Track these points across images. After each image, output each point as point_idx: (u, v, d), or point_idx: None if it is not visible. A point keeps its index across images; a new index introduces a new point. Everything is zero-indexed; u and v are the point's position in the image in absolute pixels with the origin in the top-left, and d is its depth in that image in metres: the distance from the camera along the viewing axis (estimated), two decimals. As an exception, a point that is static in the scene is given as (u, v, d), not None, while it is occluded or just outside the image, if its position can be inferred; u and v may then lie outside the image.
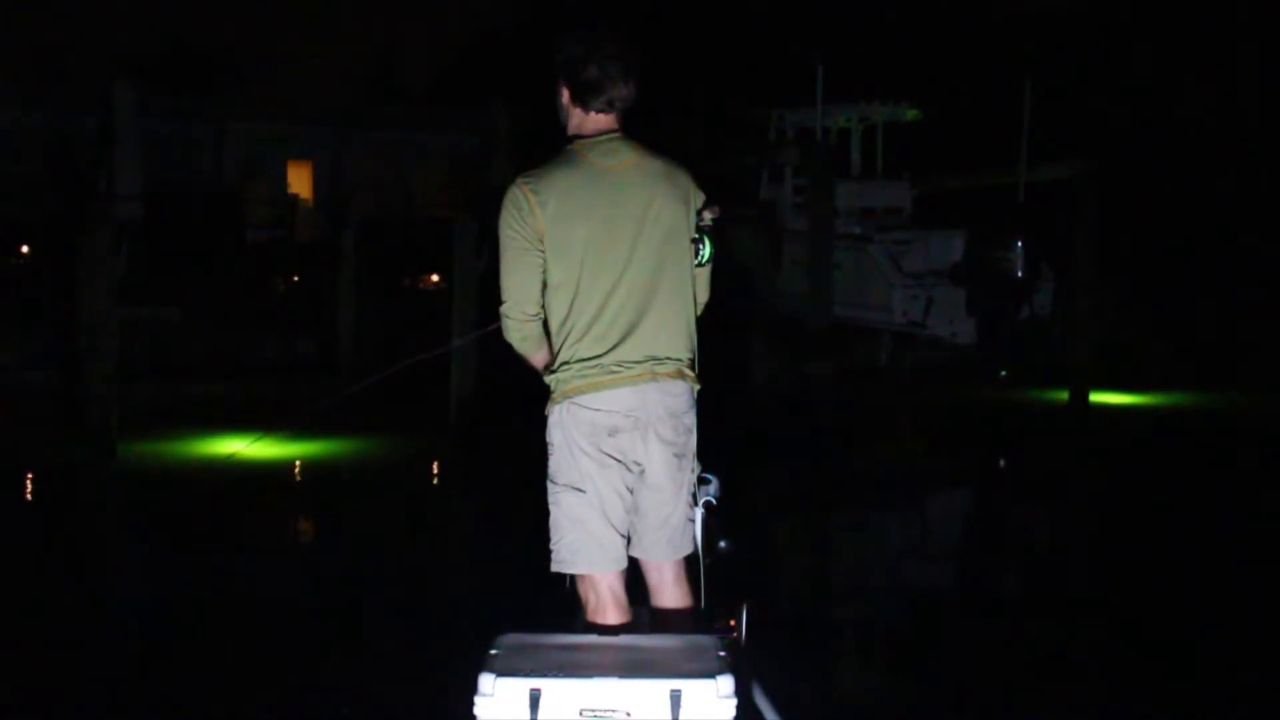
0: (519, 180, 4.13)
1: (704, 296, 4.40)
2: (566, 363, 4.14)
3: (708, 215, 4.29)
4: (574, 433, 4.13)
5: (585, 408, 4.11)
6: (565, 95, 4.24)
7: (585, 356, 4.12)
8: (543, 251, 4.10)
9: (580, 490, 4.13)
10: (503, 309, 4.18)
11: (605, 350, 4.12)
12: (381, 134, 29.42)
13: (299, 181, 29.70)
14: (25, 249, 20.98)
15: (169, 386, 13.46)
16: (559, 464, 4.16)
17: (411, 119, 29.98)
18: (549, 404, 4.20)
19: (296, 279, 20.71)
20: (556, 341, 4.18)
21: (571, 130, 4.26)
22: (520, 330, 4.20)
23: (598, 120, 4.22)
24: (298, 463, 11.44)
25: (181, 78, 29.15)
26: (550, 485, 4.20)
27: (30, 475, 10.63)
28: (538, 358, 4.29)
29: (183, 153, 26.79)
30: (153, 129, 20.88)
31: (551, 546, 4.20)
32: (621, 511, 4.16)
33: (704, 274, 4.36)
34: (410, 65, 35.17)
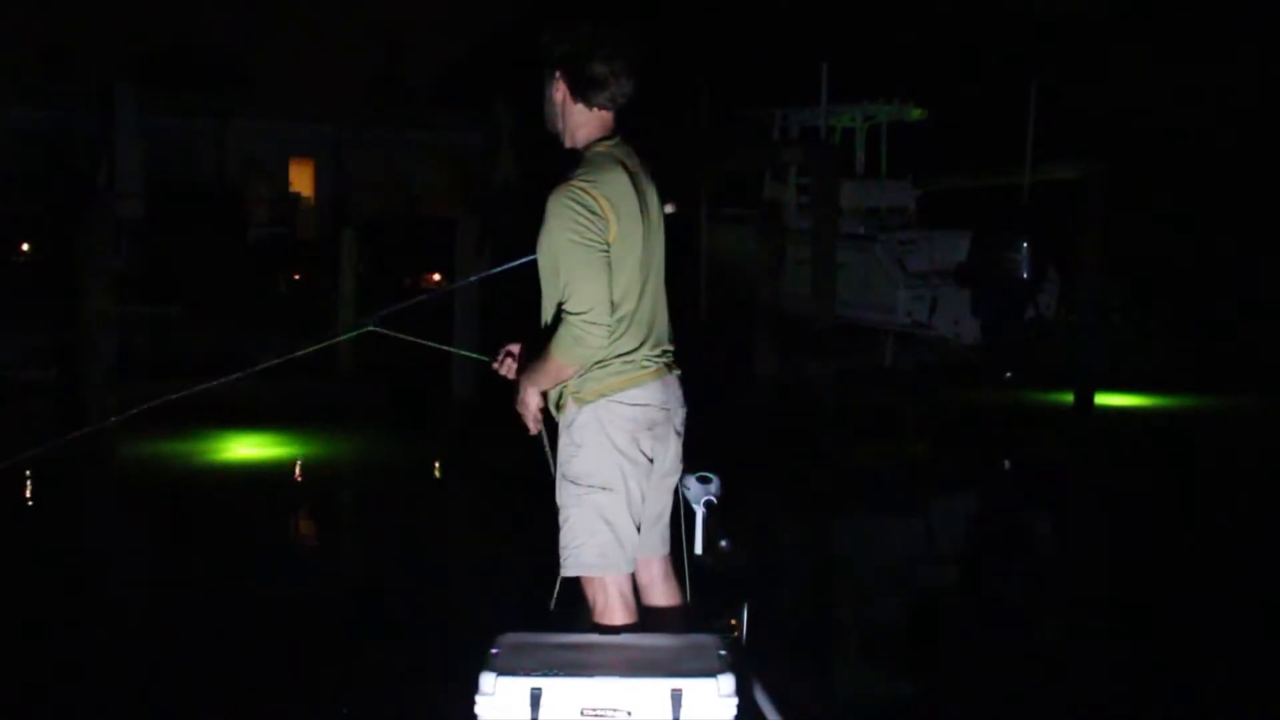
0: (583, 185, 3.99)
1: None
2: (602, 361, 4.08)
3: (668, 209, 4.33)
4: (612, 431, 4.08)
5: (626, 404, 4.09)
6: (561, 91, 4.17)
7: (622, 352, 4.10)
8: (608, 253, 4.03)
9: (611, 490, 4.09)
10: (586, 318, 3.94)
11: (637, 345, 4.12)
12: (384, 133, 29.32)
13: (301, 180, 29.63)
14: (25, 246, 20.93)
15: (169, 385, 13.40)
16: (589, 464, 4.09)
17: (414, 118, 29.91)
18: (572, 405, 4.12)
19: (298, 277, 20.68)
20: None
21: (574, 127, 4.19)
22: (606, 337, 4.01)
23: (603, 117, 4.18)
24: (298, 462, 11.41)
25: (184, 76, 29.09)
26: (572, 487, 4.12)
27: (28, 473, 10.57)
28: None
29: (185, 150, 26.70)
30: (154, 126, 20.84)
31: (572, 549, 4.11)
32: (641, 510, 4.16)
33: None
34: (413, 64, 35.11)
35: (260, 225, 24.43)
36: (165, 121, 23.73)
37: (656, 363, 4.15)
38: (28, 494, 10.16)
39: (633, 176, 4.12)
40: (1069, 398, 14.54)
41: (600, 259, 3.97)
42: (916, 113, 18.79)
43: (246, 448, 11.65)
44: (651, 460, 4.16)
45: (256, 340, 15.67)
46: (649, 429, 4.13)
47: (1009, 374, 15.96)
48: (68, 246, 13.18)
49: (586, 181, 4.01)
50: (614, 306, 4.03)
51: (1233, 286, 20.37)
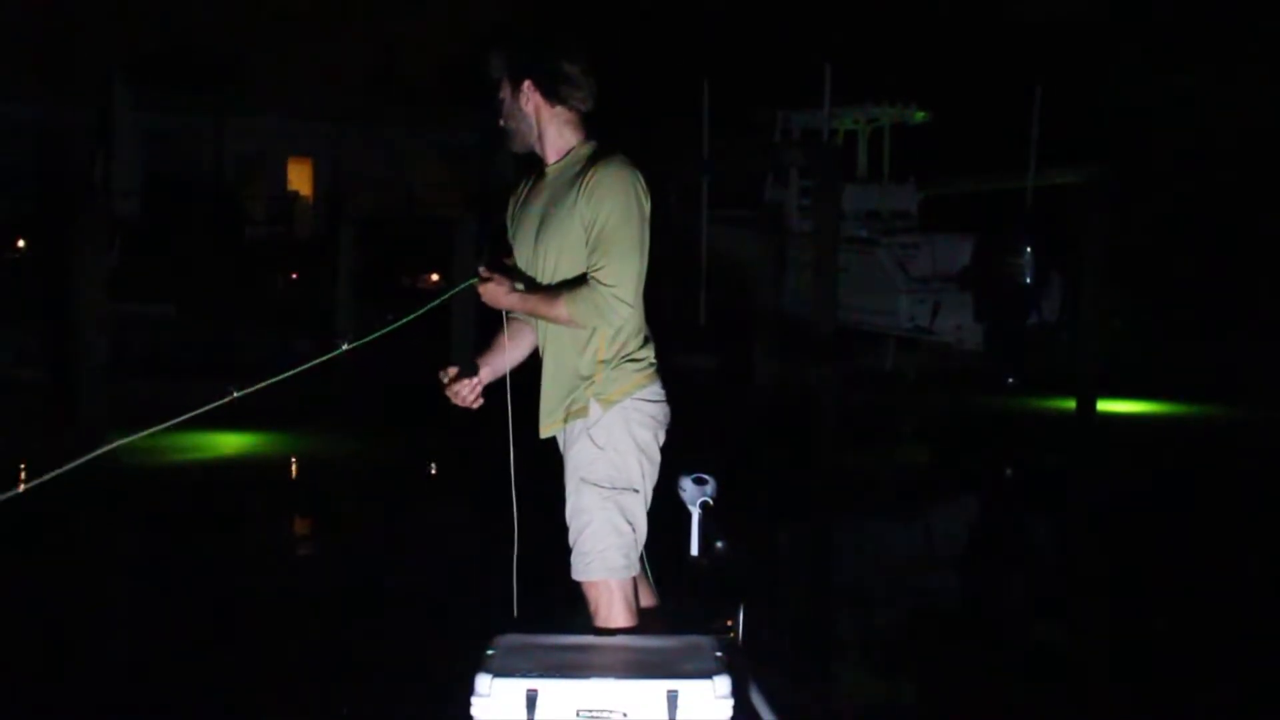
0: (634, 168, 4.02)
1: None
2: (632, 358, 4.06)
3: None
4: (636, 430, 4.05)
5: (649, 401, 4.07)
6: (533, 101, 4.11)
7: (641, 346, 4.09)
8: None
9: (635, 491, 4.06)
10: (617, 293, 3.91)
11: (646, 342, 4.11)
12: (382, 131, 29.35)
13: (299, 178, 29.67)
14: (21, 243, 20.90)
15: (163, 383, 13.35)
16: (617, 466, 4.04)
17: (412, 116, 29.90)
18: (596, 407, 4.05)
19: (295, 276, 20.66)
20: (618, 337, 4.05)
21: (559, 128, 4.13)
22: (626, 319, 4.01)
23: (574, 119, 4.14)
24: (294, 461, 11.35)
25: (182, 73, 29.06)
26: (595, 490, 4.04)
27: (21, 471, 10.51)
28: None
29: (182, 148, 26.70)
30: (153, 124, 20.85)
31: (596, 554, 4.03)
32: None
33: None
34: (411, 62, 35.11)
35: (257, 223, 24.45)
36: (162, 119, 23.72)
37: (657, 361, 4.15)
38: (20, 487, 10.08)
39: None
40: (1071, 404, 14.46)
41: (642, 243, 3.99)
42: (919, 116, 18.76)
43: (242, 446, 11.59)
44: (660, 456, 4.15)
45: (253, 339, 15.66)
46: (664, 426, 4.14)
47: (1011, 380, 15.89)
48: (62, 244, 13.12)
49: (633, 166, 4.03)
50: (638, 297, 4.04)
51: (1239, 292, 20.32)
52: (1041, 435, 14.01)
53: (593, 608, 4.08)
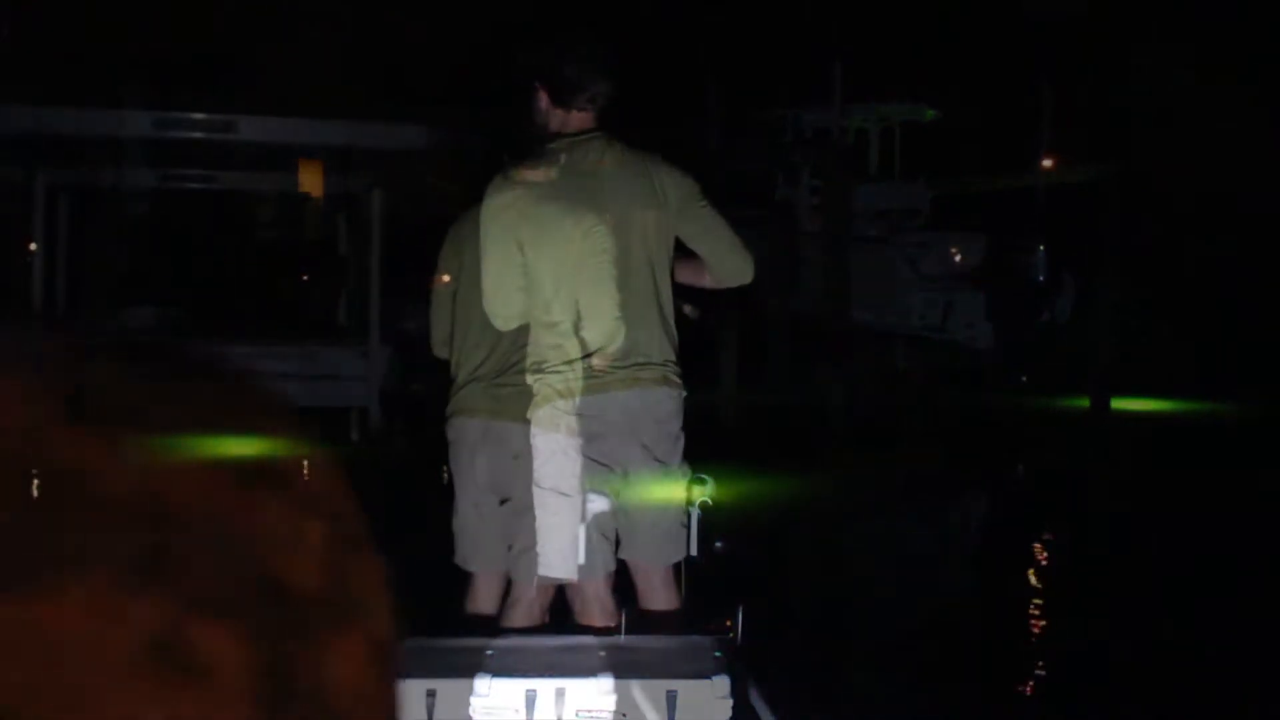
0: (498, 178, 4.04)
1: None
2: (553, 368, 4.05)
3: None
4: (557, 437, 4.04)
5: (565, 413, 4.04)
6: (544, 100, 4.17)
7: (570, 359, 4.04)
8: (521, 253, 4.02)
9: (567, 495, 4.04)
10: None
11: (581, 355, 4.05)
12: (390, 132, 29.25)
13: (308, 180, 29.56)
14: (33, 246, 20.88)
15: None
16: (545, 468, 4.06)
17: (421, 118, 29.82)
18: (531, 408, 4.09)
19: (305, 278, 20.66)
20: (537, 345, 4.08)
21: (557, 130, 4.18)
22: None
23: (581, 119, 4.16)
24: (305, 464, 11.33)
25: (190, 74, 29.04)
26: (536, 490, 4.08)
27: (32, 474, 10.51)
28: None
29: (190, 149, 26.63)
30: (159, 125, 20.81)
31: (537, 550, 4.08)
32: (608, 516, 4.09)
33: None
34: (420, 64, 35.18)
35: (266, 225, 24.40)
36: (171, 120, 23.64)
37: (616, 373, 4.07)
38: (31, 490, 10.09)
39: (583, 173, 4.07)
40: (1084, 403, 14.40)
41: (497, 254, 4.07)
42: (930, 114, 18.73)
43: (247, 448, 11.56)
44: (610, 465, 4.10)
45: (261, 342, 15.64)
46: (590, 441, 4.06)
47: (1024, 378, 15.84)
48: (70, 246, 13.14)
49: (502, 175, 4.06)
50: (554, 306, 4.04)
51: (1254, 289, 20.22)
52: (1055, 434, 13.95)
53: (570, 605, 4.19)
